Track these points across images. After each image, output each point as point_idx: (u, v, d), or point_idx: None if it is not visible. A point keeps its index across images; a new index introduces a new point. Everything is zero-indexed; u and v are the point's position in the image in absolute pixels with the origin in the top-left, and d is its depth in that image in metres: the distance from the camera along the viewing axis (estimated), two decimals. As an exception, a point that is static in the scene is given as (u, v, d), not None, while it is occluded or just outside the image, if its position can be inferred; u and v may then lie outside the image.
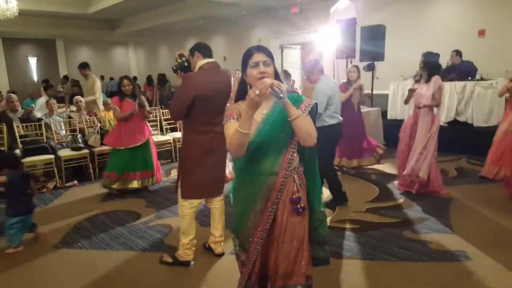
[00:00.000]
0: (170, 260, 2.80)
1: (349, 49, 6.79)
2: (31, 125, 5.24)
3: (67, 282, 2.66)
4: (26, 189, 3.15)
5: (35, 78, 14.79)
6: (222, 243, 2.93)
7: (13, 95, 5.62)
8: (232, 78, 5.81)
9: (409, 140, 4.15)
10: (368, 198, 4.12)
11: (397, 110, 7.01)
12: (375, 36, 6.50)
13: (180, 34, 13.92)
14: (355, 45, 6.80)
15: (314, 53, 9.59)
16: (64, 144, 5.35)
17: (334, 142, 3.83)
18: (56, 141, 5.26)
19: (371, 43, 6.49)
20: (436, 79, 3.91)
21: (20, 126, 5.11)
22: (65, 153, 5.05)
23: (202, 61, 2.61)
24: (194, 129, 2.60)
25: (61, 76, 14.75)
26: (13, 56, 14.67)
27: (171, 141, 6.14)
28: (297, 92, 2.07)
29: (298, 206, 1.74)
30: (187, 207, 2.70)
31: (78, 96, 6.40)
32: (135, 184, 4.41)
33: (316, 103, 1.75)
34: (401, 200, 4.05)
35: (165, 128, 6.53)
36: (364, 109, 6.56)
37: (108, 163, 4.51)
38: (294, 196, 1.73)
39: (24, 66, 14.82)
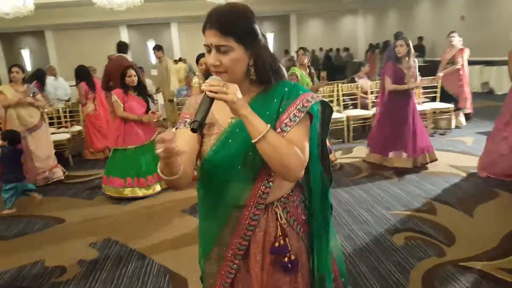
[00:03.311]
0: None
1: None
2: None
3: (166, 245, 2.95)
4: (17, 162, 3.82)
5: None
6: None
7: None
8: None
9: None
10: None
11: None
12: None
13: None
14: None
15: None
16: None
17: None
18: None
19: None
20: None
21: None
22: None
23: None
24: None
25: (295, 50, 16.27)
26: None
27: (344, 119, 5.66)
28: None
29: (285, 259, 1.17)
30: None
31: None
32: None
33: (323, 101, 1.14)
34: None
35: (343, 104, 6.06)
36: None
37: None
38: (276, 244, 1.18)
39: (263, 41, 17.10)
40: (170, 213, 3.56)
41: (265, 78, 1.14)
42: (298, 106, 1.09)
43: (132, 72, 3.87)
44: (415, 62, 4.18)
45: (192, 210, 3.58)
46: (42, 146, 4.53)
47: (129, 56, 5.65)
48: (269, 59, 1.14)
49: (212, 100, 1.04)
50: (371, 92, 6.02)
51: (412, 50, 4.12)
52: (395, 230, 2.96)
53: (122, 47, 5.61)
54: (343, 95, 6.06)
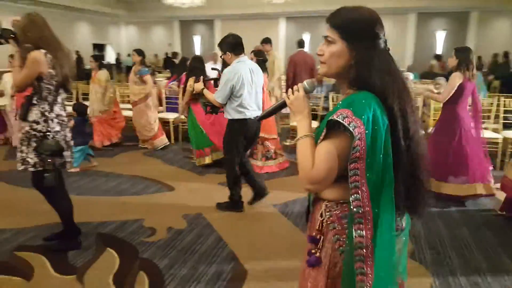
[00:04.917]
0: None
1: None
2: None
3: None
4: (84, 129, 4.55)
5: (439, 52, 15.01)
6: None
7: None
8: None
9: None
10: None
11: None
12: None
13: None
14: None
15: None
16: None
17: (237, 139, 3.35)
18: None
19: None
20: None
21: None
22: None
23: None
24: None
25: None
26: (422, 30, 15.69)
27: (500, 141, 4.71)
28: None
29: (313, 251, 1.25)
30: None
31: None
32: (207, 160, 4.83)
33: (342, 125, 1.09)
34: None
35: (503, 123, 5.03)
36: None
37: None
38: (313, 234, 1.27)
39: (430, 40, 15.49)
40: (262, 208, 3.59)
41: (354, 83, 1.16)
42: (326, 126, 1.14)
43: None
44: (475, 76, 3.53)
45: (284, 208, 3.58)
46: (139, 119, 5.61)
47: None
48: (376, 70, 1.11)
49: (284, 102, 1.29)
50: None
51: (471, 65, 3.45)
52: (516, 290, 2.34)
53: (301, 43, 6.76)
54: (506, 111, 5.04)
